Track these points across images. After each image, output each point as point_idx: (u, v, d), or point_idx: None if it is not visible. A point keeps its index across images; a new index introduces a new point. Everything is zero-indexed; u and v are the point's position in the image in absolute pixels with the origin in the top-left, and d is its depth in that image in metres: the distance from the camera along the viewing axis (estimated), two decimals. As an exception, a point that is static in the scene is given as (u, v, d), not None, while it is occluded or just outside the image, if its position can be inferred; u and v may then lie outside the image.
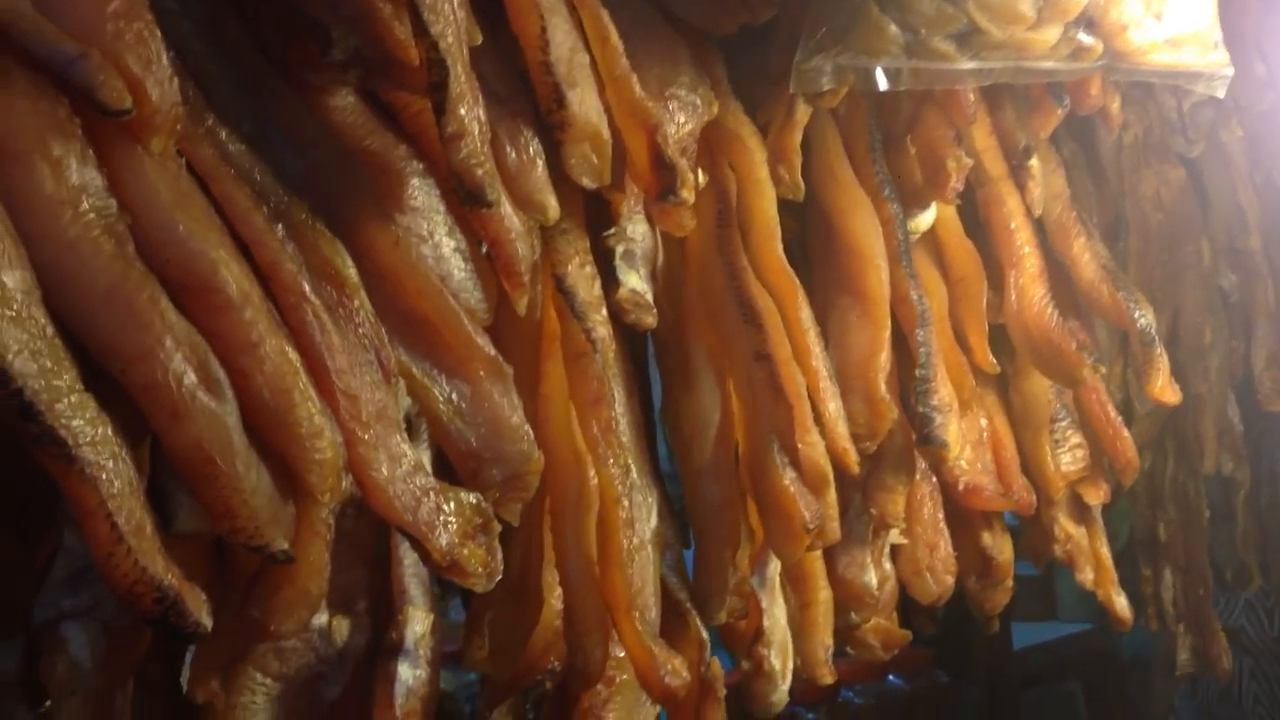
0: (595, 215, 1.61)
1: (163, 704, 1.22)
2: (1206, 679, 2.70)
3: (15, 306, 0.96)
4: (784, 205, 1.75)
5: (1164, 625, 2.49)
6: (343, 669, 1.29)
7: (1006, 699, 5.47)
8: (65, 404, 0.98)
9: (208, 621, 1.05)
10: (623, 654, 1.43)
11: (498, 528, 1.27)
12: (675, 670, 1.34)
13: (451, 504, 1.24)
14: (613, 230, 1.59)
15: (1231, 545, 2.74)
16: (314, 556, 1.15)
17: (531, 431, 1.31)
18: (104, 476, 0.98)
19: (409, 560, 1.34)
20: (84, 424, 0.98)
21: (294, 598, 1.14)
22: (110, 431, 1.00)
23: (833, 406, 1.63)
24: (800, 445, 1.59)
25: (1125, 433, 1.96)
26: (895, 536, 1.85)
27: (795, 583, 1.74)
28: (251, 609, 1.13)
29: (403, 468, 1.20)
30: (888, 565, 1.84)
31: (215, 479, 1.06)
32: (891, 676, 4.62)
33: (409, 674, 1.26)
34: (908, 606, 2.02)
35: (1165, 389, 1.93)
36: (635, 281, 1.58)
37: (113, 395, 1.03)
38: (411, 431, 1.30)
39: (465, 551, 1.23)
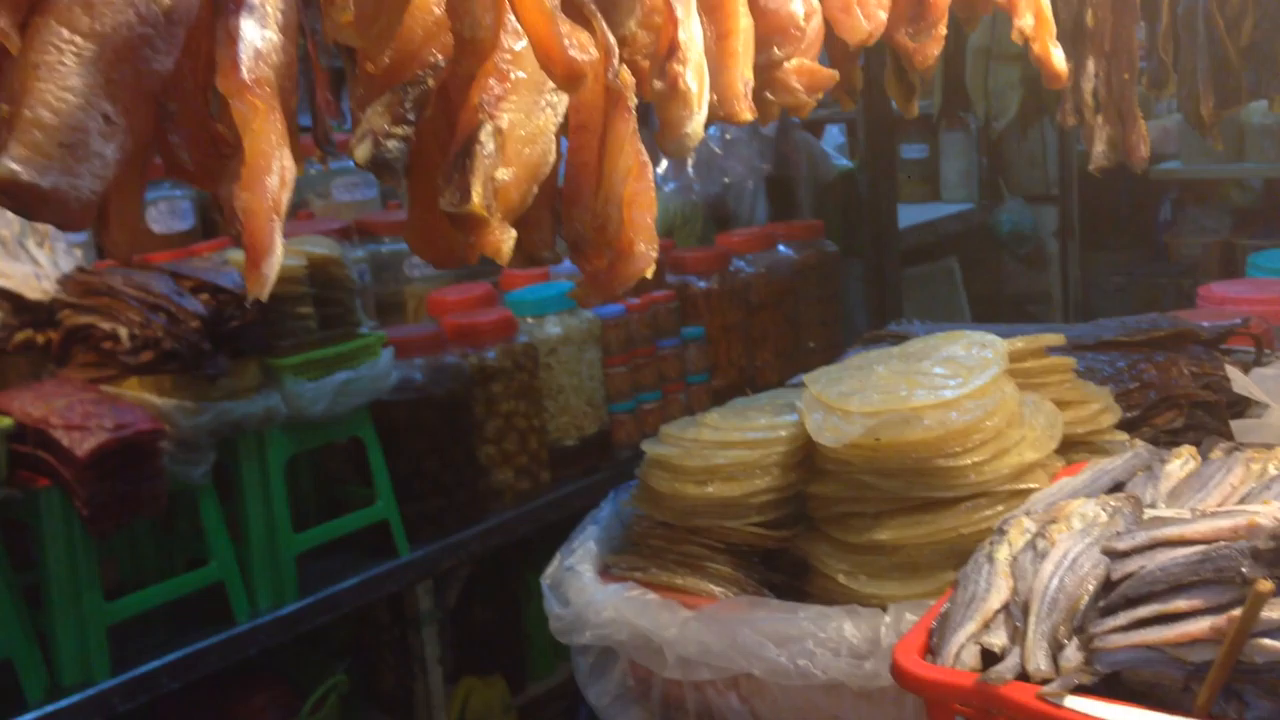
0: None
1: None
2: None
3: None
4: None
5: (1082, 119, 2.38)
6: (172, 35, 1.04)
7: (890, 270, 5.60)
8: None
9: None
10: (519, 46, 1.22)
11: None
12: (581, 45, 1.13)
13: None
14: None
15: (1152, 45, 2.62)
16: None
17: None
18: None
19: (245, -93, 1.07)
20: None
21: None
22: None
23: None
24: None
25: None
26: (822, -32, 1.63)
27: (711, 11, 1.52)
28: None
29: None
30: (814, -1, 1.63)
31: None
32: (781, 247, 4.62)
33: (256, 34, 1.03)
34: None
35: None
36: None
37: None
38: None
39: None
